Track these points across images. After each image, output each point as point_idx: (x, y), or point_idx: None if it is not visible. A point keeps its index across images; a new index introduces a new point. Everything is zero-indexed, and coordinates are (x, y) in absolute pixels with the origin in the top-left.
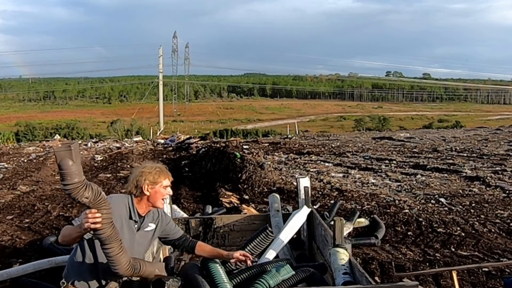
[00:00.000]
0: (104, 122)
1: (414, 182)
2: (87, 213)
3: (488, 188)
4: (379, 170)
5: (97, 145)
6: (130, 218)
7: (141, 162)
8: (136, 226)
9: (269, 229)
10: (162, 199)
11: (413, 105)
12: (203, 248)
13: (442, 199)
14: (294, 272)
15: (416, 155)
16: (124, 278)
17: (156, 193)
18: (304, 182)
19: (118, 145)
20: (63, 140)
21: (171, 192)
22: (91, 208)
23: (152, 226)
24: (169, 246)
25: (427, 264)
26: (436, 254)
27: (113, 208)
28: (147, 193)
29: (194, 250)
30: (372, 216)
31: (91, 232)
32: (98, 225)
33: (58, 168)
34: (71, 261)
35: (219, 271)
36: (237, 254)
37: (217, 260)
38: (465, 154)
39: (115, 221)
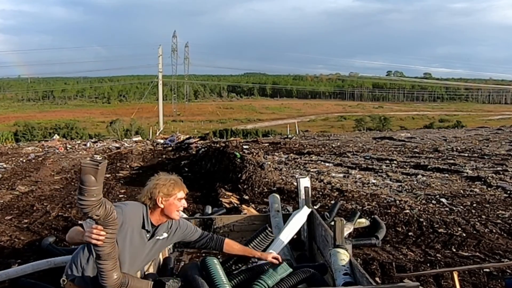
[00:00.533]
0: (103, 122)
1: (415, 182)
2: (92, 228)
3: (489, 189)
4: (380, 170)
5: (96, 145)
6: (143, 227)
7: (156, 174)
8: (148, 235)
9: (269, 229)
10: (177, 211)
11: (414, 105)
12: (231, 246)
13: (443, 200)
14: (291, 270)
15: (417, 155)
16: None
17: (170, 205)
18: (305, 182)
19: (117, 145)
20: (62, 140)
21: (185, 205)
22: (98, 224)
23: (164, 235)
24: (169, 247)
25: (428, 264)
26: (437, 255)
27: (128, 215)
28: (161, 206)
29: (222, 249)
30: (372, 216)
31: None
32: (99, 243)
33: (79, 182)
34: (75, 259)
35: (219, 271)
36: (270, 257)
37: (216, 261)
38: (466, 154)
39: (128, 229)
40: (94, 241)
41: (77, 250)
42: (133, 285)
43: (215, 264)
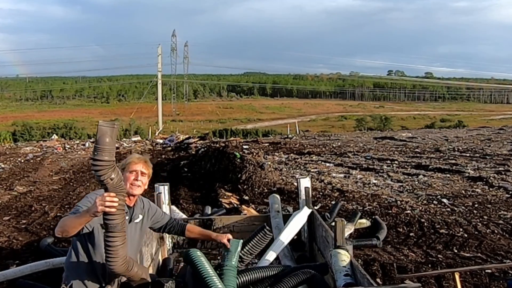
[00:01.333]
0: None
1: (416, 182)
2: (104, 195)
3: (491, 189)
4: (381, 171)
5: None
6: None
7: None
8: (127, 217)
9: (267, 228)
10: (133, 185)
11: (415, 105)
12: (192, 230)
13: (444, 200)
14: (242, 240)
15: (418, 155)
16: (123, 279)
17: (124, 178)
18: (305, 183)
19: (116, 145)
20: (61, 140)
21: (142, 180)
22: (108, 192)
23: (140, 217)
24: (168, 248)
25: (430, 265)
26: (439, 256)
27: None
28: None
29: (184, 233)
30: (373, 217)
31: (102, 218)
32: (113, 209)
33: (95, 143)
34: (67, 264)
35: (204, 263)
36: (225, 239)
37: (200, 253)
38: (467, 154)
39: (91, 201)
40: (107, 208)
41: (67, 255)
42: (136, 271)
43: (199, 256)
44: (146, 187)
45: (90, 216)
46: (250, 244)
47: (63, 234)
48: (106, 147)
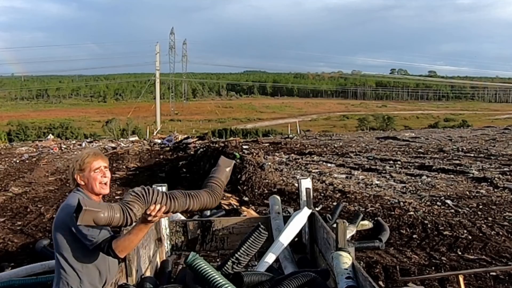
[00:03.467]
0: (99, 122)
1: (420, 183)
2: (151, 212)
3: (496, 190)
4: (383, 171)
5: (92, 145)
6: None
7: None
8: None
9: (261, 227)
10: (101, 183)
11: (418, 104)
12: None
13: (448, 201)
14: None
15: (421, 155)
16: (120, 282)
17: (89, 179)
18: (306, 184)
19: (113, 145)
20: (57, 140)
21: (108, 175)
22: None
23: None
24: (167, 250)
25: (433, 268)
26: (442, 258)
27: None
28: (82, 183)
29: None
30: (376, 218)
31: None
32: (168, 215)
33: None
34: (58, 277)
35: (206, 269)
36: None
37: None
38: (472, 155)
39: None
40: (164, 216)
41: (56, 265)
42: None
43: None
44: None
45: (149, 227)
46: (245, 245)
47: (126, 253)
48: (99, 219)
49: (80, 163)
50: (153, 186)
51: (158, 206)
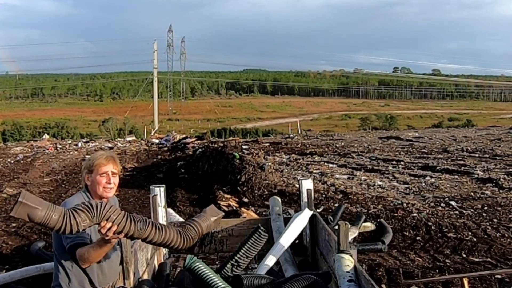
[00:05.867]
0: (95, 121)
1: (423, 184)
2: (100, 228)
3: (501, 191)
4: (386, 172)
5: (88, 145)
6: None
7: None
8: None
9: (261, 228)
10: (106, 188)
11: (422, 103)
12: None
13: (452, 202)
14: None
15: (425, 155)
16: (118, 285)
17: (93, 181)
18: (307, 184)
19: (110, 145)
20: (52, 140)
21: (114, 181)
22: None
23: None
24: (164, 253)
25: (437, 271)
26: (446, 260)
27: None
28: (88, 183)
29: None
30: (378, 220)
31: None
32: (120, 235)
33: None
34: (56, 277)
35: (206, 271)
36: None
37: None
38: (476, 155)
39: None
40: (116, 236)
41: (58, 271)
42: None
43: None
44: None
45: (110, 246)
46: (244, 247)
47: (88, 265)
48: (38, 217)
49: (90, 164)
50: (151, 187)
51: (109, 224)
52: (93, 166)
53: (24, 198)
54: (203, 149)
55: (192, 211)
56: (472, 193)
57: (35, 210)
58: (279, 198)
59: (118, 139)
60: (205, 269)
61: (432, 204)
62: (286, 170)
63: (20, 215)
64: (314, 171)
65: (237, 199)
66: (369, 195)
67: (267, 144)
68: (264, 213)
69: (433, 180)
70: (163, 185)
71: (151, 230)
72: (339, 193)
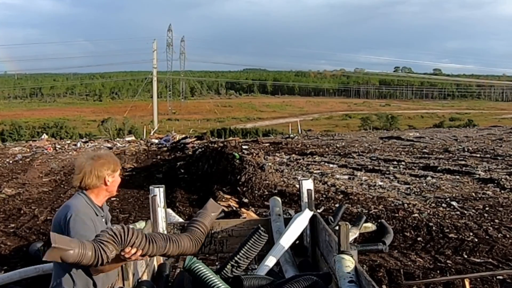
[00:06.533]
0: (94, 121)
1: (424, 184)
2: (125, 254)
3: (502, 191)
4: (387, 172)
5: (87, 145)
6: (97, 215)
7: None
8: (103, 220)
9: (261, 229)
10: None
11: (423, 103)
12: None
13: (453, 203)
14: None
15: (426, 156)
16: (117, 286)
17: (114, 181)
18: (307, 185)
19: (109, 145)
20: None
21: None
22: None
23: (109, 216)
24: None
25: (438, 271)
26: (448, 261)
27: (84, 214)
28: (109, 183)
29: None
30: (379, 220)
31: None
32: (143, 258)
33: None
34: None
35: (206, 273)
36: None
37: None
38: (478, 155)
39: (91, 226)
40: (140, 258)
41: (53, 267)
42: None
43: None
44: None
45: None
46: (244, 248)
47: (99, 274)
48: (70, 256)
49: (115, 163)
50: (150, 187)
51: (133, 250)
52: (117, 166)
53: (56, 242)
54: (203, 149)
55: (191, 212)
56: (473, 194)
57: (68, 251)
58: (279, 199)
59: (117, 139)
60: (205, 270)
61: (433, 205)
62: (286, 170)
63: (53, 258)
64: (315, 171)
65: (237, 200)
66: (370, 195)
67: (267, 144)
68: (264, 213)
69: (434, 180)
70: (163, 186)
71: (169, 246)
72: (339, 193)
